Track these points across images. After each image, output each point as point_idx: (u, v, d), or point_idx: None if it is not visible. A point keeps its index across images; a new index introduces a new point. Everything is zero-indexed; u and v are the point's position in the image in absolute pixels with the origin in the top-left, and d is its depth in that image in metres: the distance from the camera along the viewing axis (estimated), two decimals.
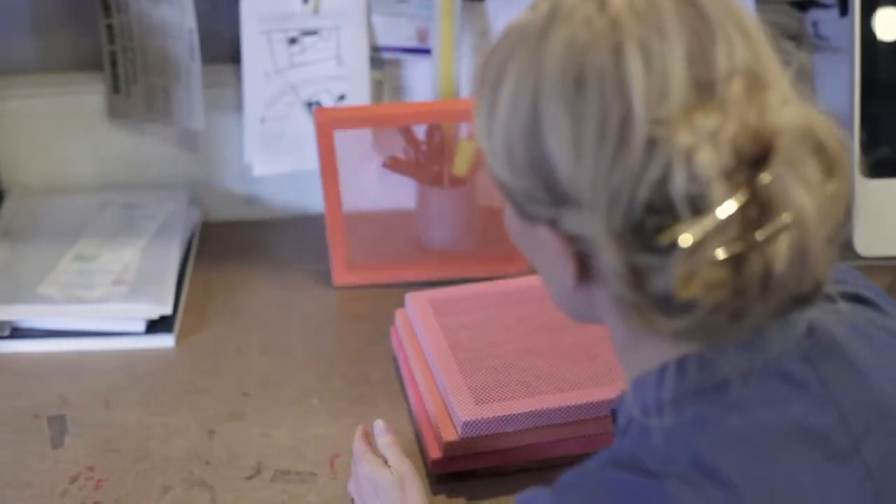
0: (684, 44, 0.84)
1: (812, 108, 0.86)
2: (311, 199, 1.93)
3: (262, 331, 1.66)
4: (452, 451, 1.36)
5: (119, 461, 1.41)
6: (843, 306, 0.96)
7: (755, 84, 0.84)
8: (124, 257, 1.72)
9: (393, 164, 1.77)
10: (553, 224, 0.89)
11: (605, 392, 1.37)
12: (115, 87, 1.86)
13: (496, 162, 0.91)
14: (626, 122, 0.82)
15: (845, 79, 1.73)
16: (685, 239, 0.81)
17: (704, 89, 0.83)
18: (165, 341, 1.61)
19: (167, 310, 1.62)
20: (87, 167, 1.91)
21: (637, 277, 0.85)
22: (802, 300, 0.88)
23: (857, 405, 0.91)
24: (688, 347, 0.91)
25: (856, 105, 1.70)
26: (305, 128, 1.82)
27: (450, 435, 1.35)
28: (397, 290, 1.65)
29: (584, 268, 0.90)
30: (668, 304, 0.85)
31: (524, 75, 0.87)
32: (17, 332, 1.61)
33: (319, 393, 1.52)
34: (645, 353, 0.94)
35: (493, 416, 1.34)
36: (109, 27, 1.82)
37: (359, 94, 1.82)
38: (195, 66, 1.79)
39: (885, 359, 0.95)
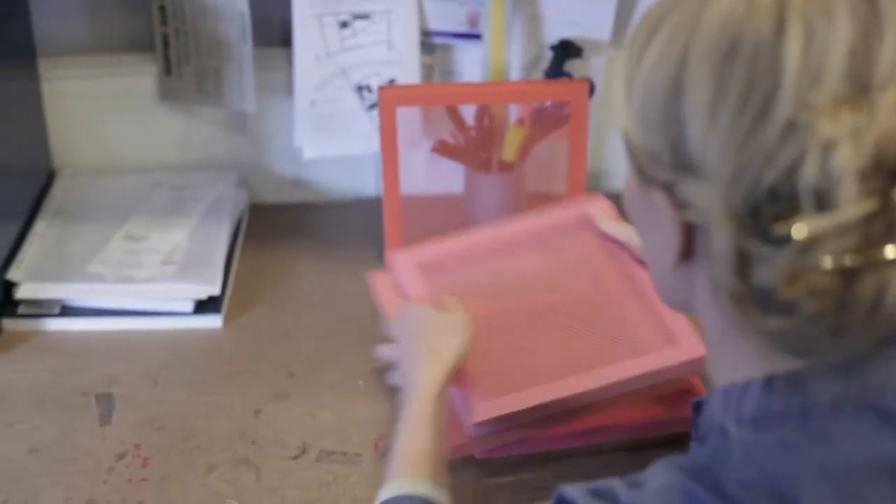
0: (850, 35, 0.80)
1: None
2: (360, 183, 1.93)
3: (308, 312, 1.66)
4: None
5: (165, 439, 1.42)
6: None
7: None
8: (173, 238, 1.73)
9: (442, 149, 1.77)
10: (669, 189, 0.87)
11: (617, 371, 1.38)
12: (166, 69, 1.86)
13: (630, 116, 0.89)
14: (770, 99, 0.79)
15: None
16: (800, 230, 0.78)
17: (859, 87, 0.79)
18: (213, 322, 1.62)
19: (215, 290, 1.63)
20: (138, 148, 1.92)
21: (743, 264, 0.82)
22: None
23: None
24: (780, 363, 0.87)
25: None
26: (356, 111, 1.82)
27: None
28: None
29: (690, 244, 0.88)
30: (767, 301, 0.82)
31: (678, 31, 0.85)
32: (66, 311, 1.62)
33: (365, 375, 1.52)
34: (735, 357, 0.91)
35: (504, 414, 1.34)
36: (162, 9, 1.83)
37: (409, 78, 1.82)
38: (247, 48, 1.79)
39: None
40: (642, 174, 0.90)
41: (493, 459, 1.37)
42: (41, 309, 1.62)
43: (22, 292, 1.63)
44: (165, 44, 1.85)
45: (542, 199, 1.83)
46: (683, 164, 0.85)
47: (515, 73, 1.84)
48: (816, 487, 0.83)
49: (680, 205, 0.86)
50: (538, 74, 1.85)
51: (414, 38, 1.80)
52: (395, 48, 1.80)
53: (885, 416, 0.86)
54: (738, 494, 0.83)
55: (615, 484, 0.88)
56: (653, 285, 1.00)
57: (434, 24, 1.83)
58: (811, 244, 0.78)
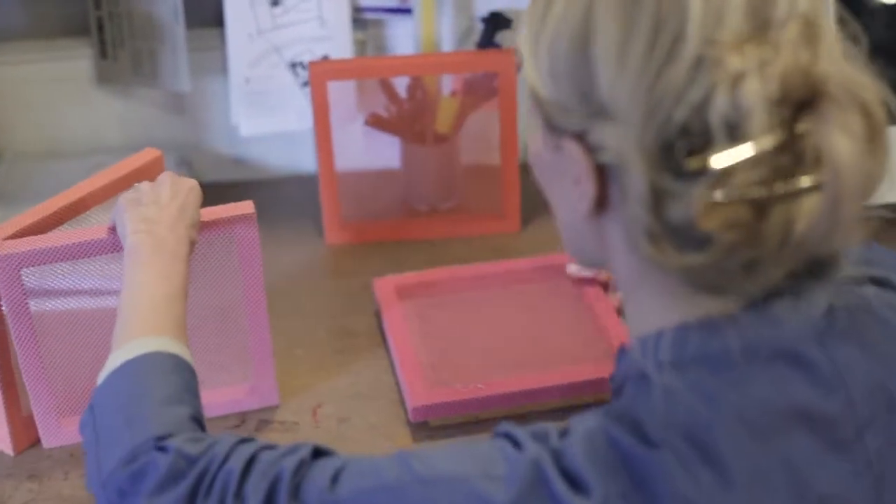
0: None
1: (861, 70, 0.84)
2: (298, 160, 1.96)
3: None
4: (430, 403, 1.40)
5: None
6: (869, 290, 0.95)
7: (811, 32, 0.84)
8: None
9: (375, 122, 1.80)
10: (580, 138, 0.89)
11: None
12: (102, 52, 1.88)
13: (536, 69, 0.91)
14: (678, 38, 0.82)
15: None
16: (716, 161, 0.81)
17: (760, 25, 0.83)
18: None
19: None
20: (78, 131, 1.94)
21: (657, 201, 0.84)
22: (821, 268, 0.88)
23: (865, 392, 0.89)
24: (693, 308, 0.90)
25: None
26: (290, 88, 1.85)
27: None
28: (388, 247, 1.69)
29: (603, 190, 0.90)
30: (682, 237, 0.84)
31: None
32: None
33: (303, 344, 1.55)
34: (649, 306, 0.93)
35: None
36: None
37: (342, 54, 1.84)
38: (180, 28, 1.81)
39: None
40: (551, 127, 0.92)
41: (429, 423, 1.40)
42: None
43: None
44: (100, 27, 1.87)
45: (478, 171, 1.86)
46: (595, 109, 0.87)
47: (447, 46, 1.87)
48: (731, 432, 0.86)
49: (593, 150, 0.88)
50: (470, 47, 1.88)
51: (345, 15, 1.83)
52: (327, 25, 1.82)
53: (799, 361, 0.88)
54: (657, 436, 0.86)
55: (550, 429, 0.91)
56: (564, 244, 1.02)
57: (365, 0, 1.85)
58: (725, 176, 0.81)
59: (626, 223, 0.89)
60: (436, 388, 1.41)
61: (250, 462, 0.96)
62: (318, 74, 1.68)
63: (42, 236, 1.32)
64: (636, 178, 0.85)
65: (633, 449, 0.86)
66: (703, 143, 0.82)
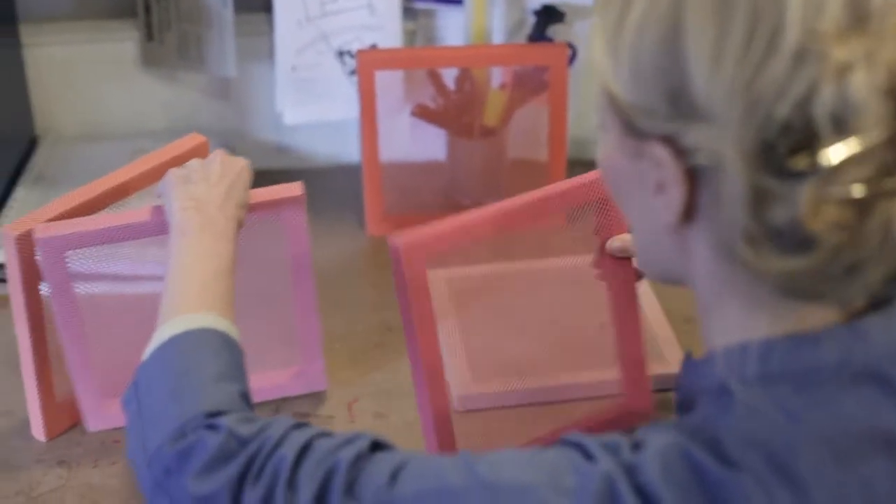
0: None
1: None
2: (342, 149, 1.93)
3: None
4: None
5: None
6: None
7: None
8: (156, 202, 1.72)
9: (422, 113, 1.77)
10: (669, 141, 0.84)
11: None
12: (148, 35, 1.86)
13: (615, 72, 0.87)
14: (776, 30, 0.78)
15: None
16: (825, 158, 0.77)
17: (859, 16, 0.79)
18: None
19: None
20: (120, 114, 1.92)
21: (758, 203, 0.80)
22: None
23: None
24: (781, 322, 0.86)
25: None
26: (337, 77, 1.82)
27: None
28: None
29: (691, 200, 0.85)
30: (784, 240, 0.81)
31: None
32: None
33: (342, 338, 1.52)
34: (731, 319, 0.89)
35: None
36: None
37: (391, 43, 1.81)
38: (227, 13, 1.79)
39: None
40: (632, 131, 0.87)
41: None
42: None
43: (0, 256, 1.63)
44: (147, 9, 1.84)
45: (524, 166, 1.83)
46: (686, 110, 0.83)
47: (498, 39, 1.83)
48: (814, 454, 0.82)
49: (683, 153, 0.84)
50: (521, 40, 1.84)
51: (396, 3, 1.80)
52: (377, 13, 1.79)
53: (885, 384, 0.84)
54: (737, 456, 0.82)
55: (621, 441, 0.87)
56: (639, 258, 0.98)
57: None
58: (833, 173, 0.78)
59: (720, 229, 0.85)
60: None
61: (304, 449, 0.92)
62: (366, 63, 1.65)
63: (85, 219, 1.30)
64: (735, 180, 0.81)
65: (710, 468, 0.82)
66: (807, 139, 0.78)
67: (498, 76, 1.80)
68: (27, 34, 1.87)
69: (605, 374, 1.38)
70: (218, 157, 1.27)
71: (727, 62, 0.80)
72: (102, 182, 1.36)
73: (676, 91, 0.83)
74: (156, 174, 1.39)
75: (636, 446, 0.86)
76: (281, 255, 1.36)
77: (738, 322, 0.89)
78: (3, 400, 1.43)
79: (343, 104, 1.83)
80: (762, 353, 0.86)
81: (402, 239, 1.15)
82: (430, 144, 1.84)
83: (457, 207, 1.78)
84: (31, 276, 1.30)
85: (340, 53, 1.81)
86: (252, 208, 1.28)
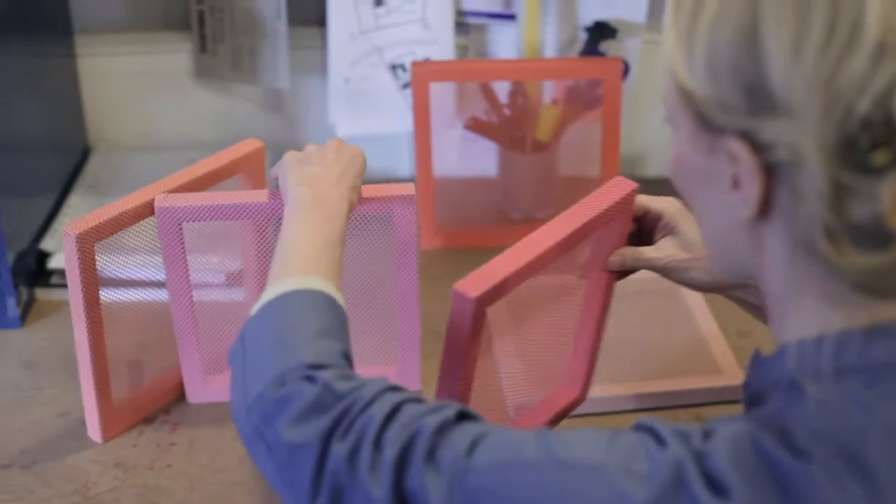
0: None
1: None
2: (393, 163, 1.94)
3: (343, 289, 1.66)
4: None
5: (193, 407, 1.44)
6: None
7: None
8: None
9: (475, 126, 1.77)
10: (746, 136, 0.84)
11: None
12: (202, 47, 1.87)
13: (689, 66, 0.87)
14: (857, 25, 0.79)
15: None
16: None
17: None
18: (240, 294, 1.61)
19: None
20: (173, 125, 1.93)
21: (839, 198, 0.80)
22: None
23: None
24: (855, 317, 0.86)
25: None
26: (389, 90, 1.83)
27: None
28: (481, 253, 1.65)
29: (767, 196, 0.85)
30: (864, 236, 0.81)
31: None
32: (99, 281, 1.62)
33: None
34: (806, 313, 0.89)
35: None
36: None
37: (443, 57, 1.82)
38: (281, 25, 1.80)
39: None
40: (707, 127, 0.87)
41: None
42: None
43: (55, 262, 1.64)
44: (201, 21, 1.86)
45: (575, 182, 1.83)
46: (764, 104, 0.83)
47: (550, 54, 1.84)
48: (886, 446, 0.82)
49: (761, 148, 0.84)
50: (572, 55, 1.84)
51: (449, 18, 1.81)
52: (430, 27, 1.80)
53: None
54: (806, 447, 0.82)
55: (692, 428, 0.86)
56: (709, 255, 0.97)
57: (469, 4, 1.83)
58: None
59: (797, 225, 0.84)
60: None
61: (394, 411, 0.92)
62: (420, 75, 1.66)
63: (203, 193, 1.36)
64: (815, 176, 0.81)
65: (781, 458, 0.82)
66: (888, 135, 0.79)
67: (550, 92, 1.80)
68: (82, 45, 1.89)
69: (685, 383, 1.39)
70: (334, 143, 1.29)
71: (807, 56, 0.80)
72: (159, 185, 1.37)
73: (754, 85, 0.83)
74: (210, 179, 1.40)
75: (706, 434, 0.85)
76: (388, 252, 1.40)
77: (813, 317, 0.88)
78: (61, 401, 1.44)
79: (395, 117, 1.84)
80: (837, 347, 0.86)
81: (473, 293, 1.10)
82: (481, 159, 1.85)
83: (508, 221, 1.79)
84: (91, 277, 1.31)
85: (393, 67, 1.82)
86: (364, 202, 1.32)
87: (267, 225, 1.43)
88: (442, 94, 1.77)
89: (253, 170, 1.46)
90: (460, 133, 1.82)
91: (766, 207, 0.86)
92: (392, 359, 1.45)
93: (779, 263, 0.89)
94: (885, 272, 0.82)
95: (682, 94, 0.89)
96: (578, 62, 1.77)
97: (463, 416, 0.93)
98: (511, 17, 1.83)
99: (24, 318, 1.60)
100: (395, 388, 0.96)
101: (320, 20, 1.83)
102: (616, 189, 1.23)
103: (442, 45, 1.81)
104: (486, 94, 1.76)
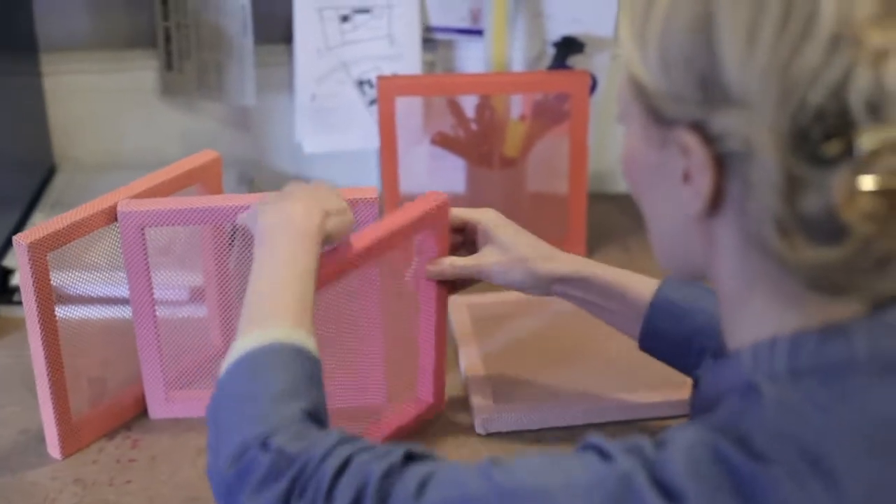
0: None
1: None
2: (361, 180, 1.92)
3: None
4: None
5: (156, 423, 1.42)
6: None
7: None
8: (174, 230, 1.72)
9: (441, 140, 1.76)
10: (699, 127, 0.84)
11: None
12: (168, 64, 1.86)
13: (643, 59, 0.86)
14: (811, 17, 0.78)
15: None
16: (861, 145, 0.77)
17: (890, 8, 0.79)
18: (205, 310, 1.60)
19: None
20: (139, 143, 1.92)
21: (792, 191, 0.80)
22: None
23: None
24: (809, 316, 0.86)
25: None
26: (356, 106, 1.82)
27: None
28: None
29: (719, 189, 0.85)
30: (816, 230, 0.80)
31: None
32: (62, 298, 1.60)
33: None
34: (757, 315, 0.88)
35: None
36: (164, 2, 1.83)
37: (410, 73, 1.81)
38: (247, 41, 1.79)
39: None
40: (659, 120, 0.87)
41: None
42: None
43: (17, 279, 1.62)
44: (167, 38, 1.85)
45: (544, 199, 1.82)
46: (717, 95, 0.82)
47: (518, 70, 1.83)
48: (847, 446, 0.81)
49: (713, 139, 0.83)
50: (540, 70, 1.84)
51: (416, 33, 1.80)
52: (397, 43, 1.80)
53: None
54: (765, 449, 0.81)
55: (643, 441, 0.86)
56: (659, 253, 0.96)
57: (436, 20, 1.83)
58: (868, 161, 0.77)
59: (749, 219, 0.84)
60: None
61: (345, 464, 0.93)
62: (386, 89, 1.65)
63: (168, 198, 1.36)
64: (767, 167, 0.80)
65: (740, 462, 0.81)
66: (841, 126, 0.78)
67: (518, 107, 1.80)
68: (47, 62, 1.88)
69: (635, 397, 1.39)
70: (311, 183, 1.28)
71: (761, 47, 0.80)
72: (115, 195, 1.37)
73: (707, 76, 0.82)
74: (168, 188, 1.39)
75: (660, 445, 0.84)
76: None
77: (766, 317, 0.88)
78: (21, 419, 1.42)
79: (362, 134, 1.83)
80: (791, 348, 0.85)
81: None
82: (449, 176, 1.84)
83: None
84: (45, 287, 1.30)
85: (360, 83, 1.81)
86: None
87: (227, 235, 1.42)
88: (409, 110, 1.76)
89: (210, 180, 1.45)
90: (428, 149, 1.81)
91: (717, 201, 0.86)
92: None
93: (731, 260, 0.88)
94: (837, 267, 0.81)
95: (636, 88, 0.88)
96: (546, 76, 1.76)
97: (411, 458, 0.94)
98: (478, 32, 1.82)
99: None
100: (348, 440, 0.96)
101: (287, 38, 1.83)
102: (426, 201, 1.32)
103: (409, 61, 1.81)
104: (452, 109, 1.75)
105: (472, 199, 1.81)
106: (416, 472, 0.92)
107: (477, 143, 1.76)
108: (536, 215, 1.81)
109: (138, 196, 1.37)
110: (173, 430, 1.40)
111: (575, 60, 1.81)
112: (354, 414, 1.36)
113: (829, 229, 0.80)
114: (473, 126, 1.76)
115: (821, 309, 0.85)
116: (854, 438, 0.81)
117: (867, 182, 0.77)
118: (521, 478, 0.87)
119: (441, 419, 1.41)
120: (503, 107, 1.77)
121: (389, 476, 0.91)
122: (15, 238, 1.27)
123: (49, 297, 1.30)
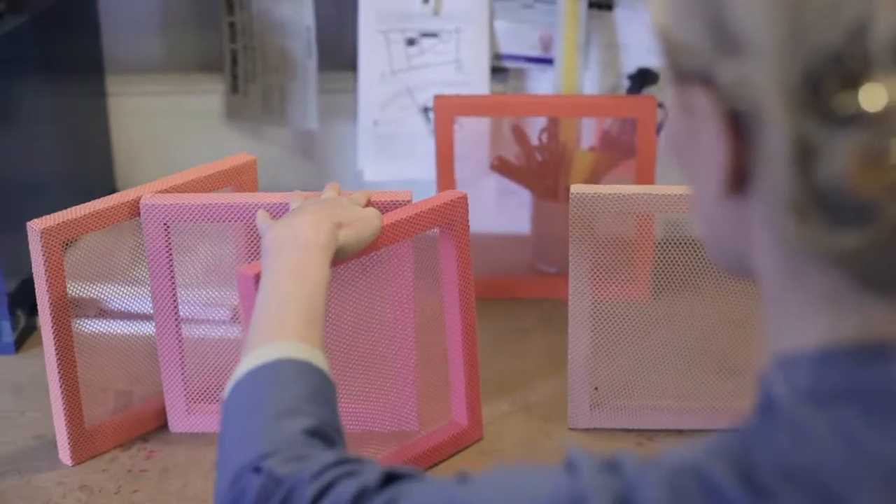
0: None
1: None
2: None
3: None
4: None
5: (175, 437, 1.38)
6: None
7: None
8: (222, 251, 1.67)
9: (500, 166, 1.69)
10: (709, 81, 0.71)
11: None
12: (233, 87, 1.83)
13: (663, 8, 0.74)
14: None
15: None
16: (881, 97, 0.64)
17: None
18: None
19: None
20: None
21: (804, 157, 0.66)
22: None
23: None
24: (849, 322, 0.70)
25: None
26: (420, 134, 1.76)
27: None
28: (510, 304, 1.59)
29: (739, 158, 0.71)
30: (837, 208, 0.66)
31: None
32: (103, 313, 1.56)
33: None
34: (790, 319, 0.73)
35: None
36: (232, 25, 1.80)
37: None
38: (312, 64, 1.75)
39: None
40: (680, 76, 0.74)
41: None
42: (78, 309, 1.57)
43: None
44: (234, 61, 1.82)
45: (610, 239, 1.73)
46: (725, 42, 0.70)
47: None
48: (867, 487, 0.67)
49: (722, 95, 0.70)
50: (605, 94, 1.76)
51: (484, 60, 1.74)
52: (465, 69, 1.74)
53: None
54: (771, 485, 0.67)
55: (628, 458, 0.74)
56: (705, 242, 0.81)
57: (506, 47, 1.76)
58: (887, 119, 0.64)
59: (769, 198, 0.70)
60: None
61: (327, 487, 0.89)
62: (444, 108, 1.59)
63: (192, 194, 1.32)
64: (776, 125, 0.67)
65: (733, 498, 0.67)
66: (860, 75, 0.65)
67: (588, 139, 1.72)
68: (113, 84, 1.86)
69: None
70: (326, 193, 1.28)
71: None
72: (140, 189, 1.33)
73: (715, 19, 0.70)
74: (199, 186, 1.36)
75: (649, 464, 0.73)
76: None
77: (795, 323, 0.73)
78: (39, 424, 1.39)
79: (425, 162, 1.77)
80: (822, 360, 0.70)
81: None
82: (515, 213, 1.77)
83: (540, 274, 1.70)
84: (57, 275, 1.26)
85: (425, 110, 1.75)
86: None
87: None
88: (474, 140, 1.70)
89: (244, 183, 1.40)
90: (495, 184, 1.74)
91: (741, 175, 0.72)
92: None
93: (765, 251, 0.74)
94: (869, 257, 0.67)
95: (657, 39, 0.78)
96: (611, 99, 1.69)
97: (390, 478, 0.88)
98: (549, 61, 1.76)
99: (20, 345, 1.56)
100: (344, 461, 0.91)
101: (353, 64, 1.78)
102: (442, 196, 1.29)
103: (476, 89, 1.74)
104: (517, 136, 1.68)
105: (538, 233, 1.73)
106: (387, 494, 0.87)
107: (541, 172, 1.69)
108: (605, 252, 1.72)
109: (169, 191, 1.33)
110: (191, 443, 1.35)
111: (650, 92, 1.73)
112: (386, 437, 1.31)
113: (852, 207, 0.65)
114: (538, 155, 1.69)
115: (860, 317, 0.71)
116: (881, 481, 0.67)
117: (885, 147, 0.64)
118: (477, 495, 0.80)
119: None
120: (571, 135, 1.69)
121: (360, 499, 0.87)
122: (29, 224, 1.23)
123: (62, 287, 1.26)
